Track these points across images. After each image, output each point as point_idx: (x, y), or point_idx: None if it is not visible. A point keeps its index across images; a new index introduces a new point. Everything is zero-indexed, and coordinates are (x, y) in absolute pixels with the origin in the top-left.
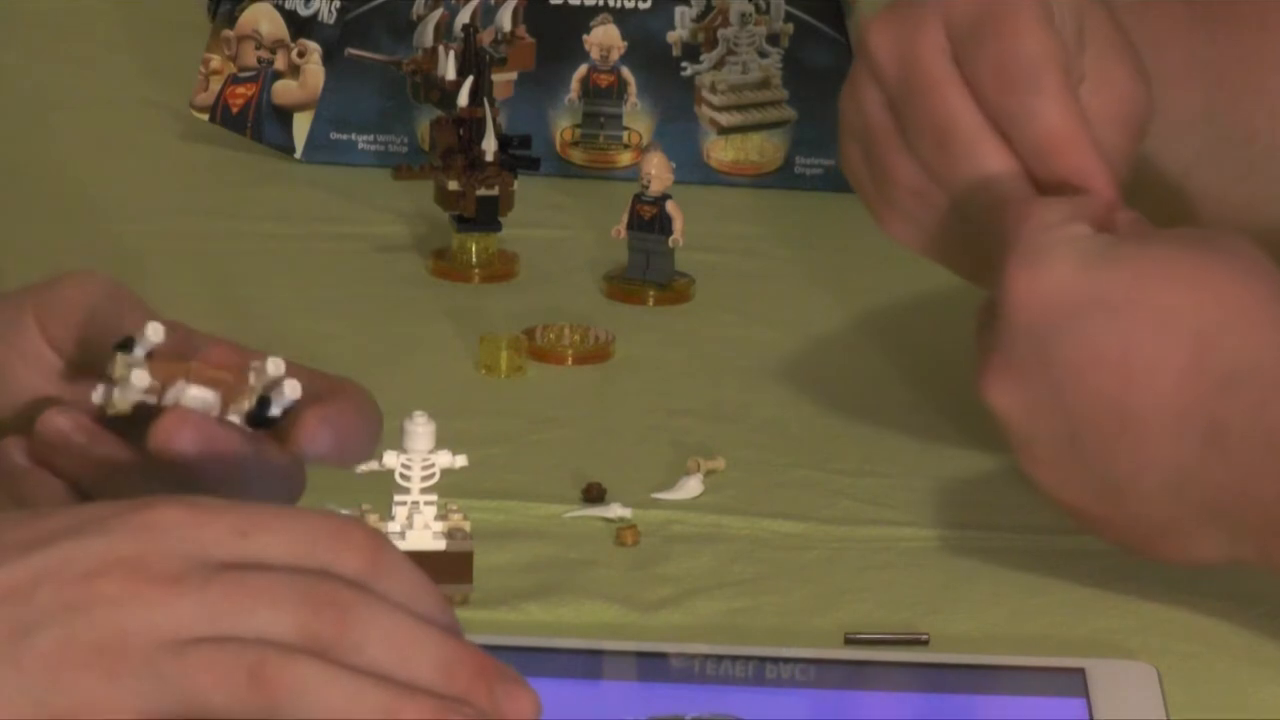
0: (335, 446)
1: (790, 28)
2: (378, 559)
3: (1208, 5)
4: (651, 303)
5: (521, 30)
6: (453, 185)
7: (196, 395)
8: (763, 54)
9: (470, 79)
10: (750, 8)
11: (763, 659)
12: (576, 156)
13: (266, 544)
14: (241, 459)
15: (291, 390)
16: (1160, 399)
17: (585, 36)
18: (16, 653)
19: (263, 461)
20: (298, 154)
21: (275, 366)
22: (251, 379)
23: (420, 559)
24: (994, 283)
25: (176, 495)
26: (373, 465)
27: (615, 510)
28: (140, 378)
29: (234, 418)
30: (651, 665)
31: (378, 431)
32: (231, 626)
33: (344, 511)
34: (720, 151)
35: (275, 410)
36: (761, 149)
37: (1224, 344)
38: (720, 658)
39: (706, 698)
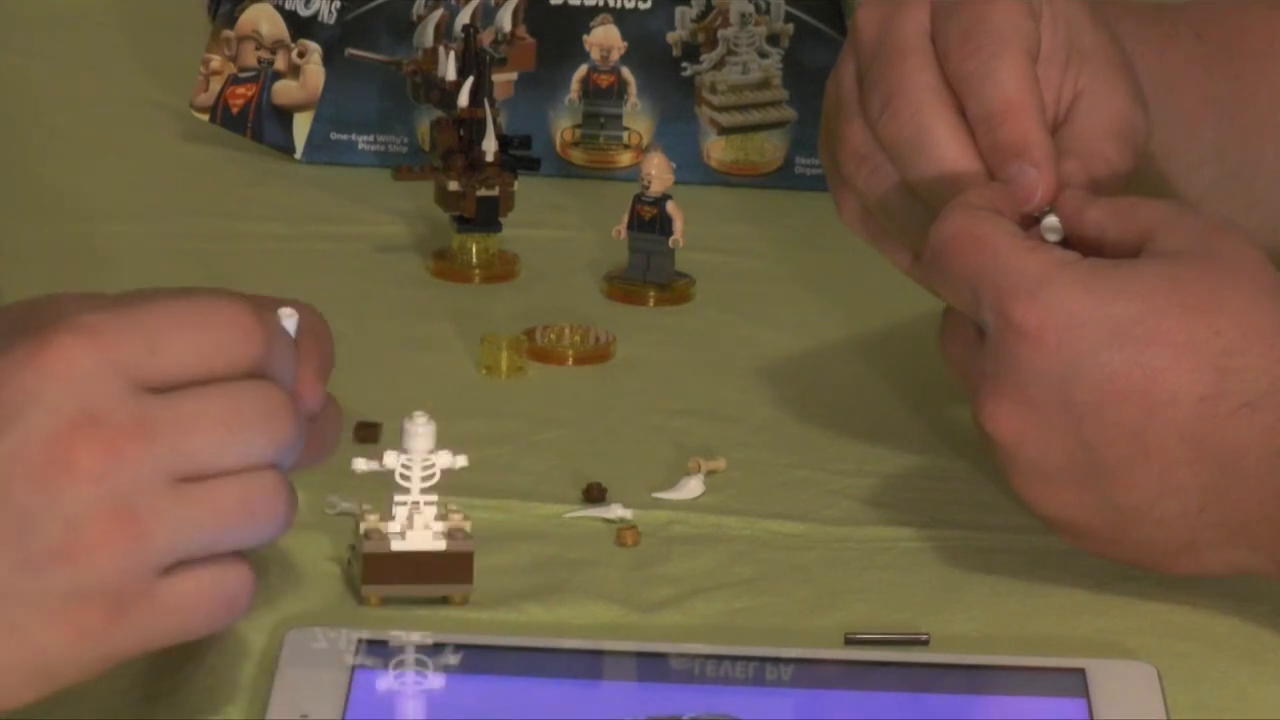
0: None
1: (790, 28)
2: (269, 341)
3: (1220, 40)
4: (652, 303)
5: (521, 30)
6: (453, 186)
7: None
8: (763, 54)
9: (470, 79)
10: (750, 8)
11: (762, 659)
12: (577, 157)
13: (177, 354)
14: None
15: (288, 318)
16: (1181, 427)
17: (585, 36)
18: (28, 555)
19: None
20: (298, 154)
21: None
22: None
23: (420, 559)
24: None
25: (61, 323)
26: (373, 465)
27: (615, 510)
28: None
29: None
30: (651, 665)
31: (333, 349)
32: (210, 461)
33: (344, 505)
34: (720, 151)
35: None
36: (761, 149)
37: (1240, 369)
38: (720, 658)
39: (706, 698)
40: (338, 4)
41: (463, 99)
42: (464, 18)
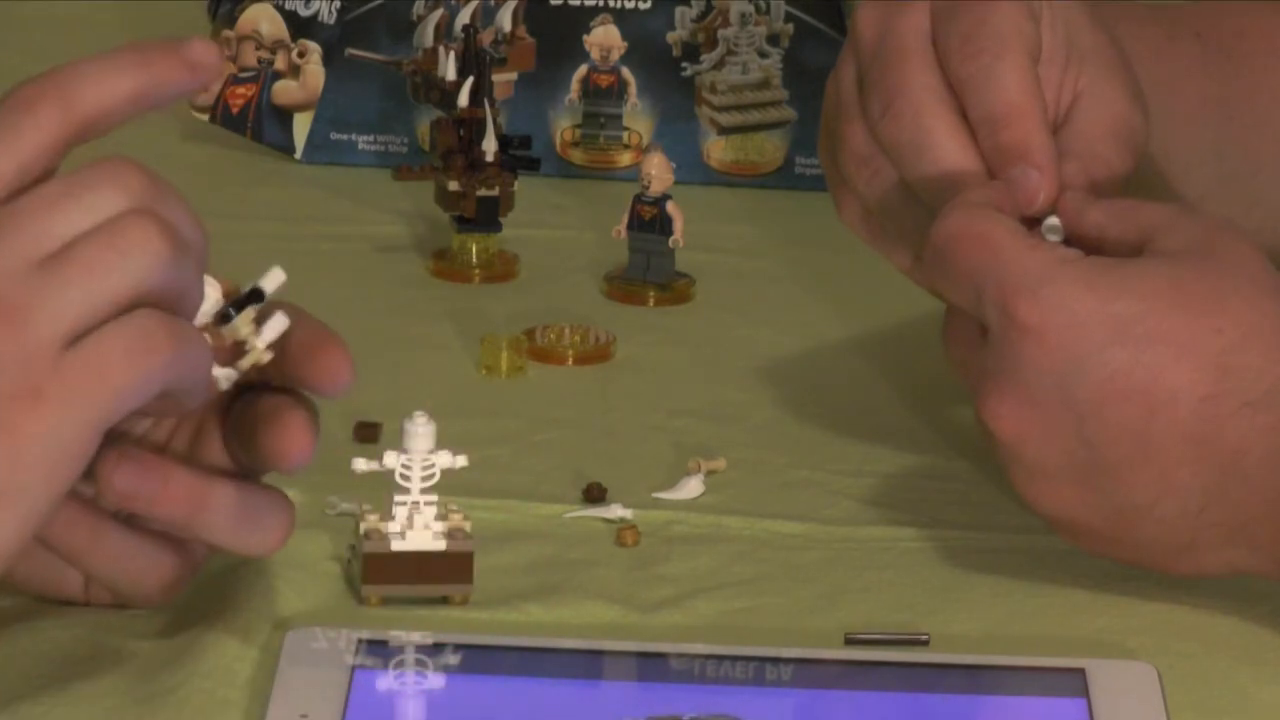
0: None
1: (790, 28)
2: (68, 110)
3: (1220, 40)
4: (652, 303)
5: (521, 30)
6: (453, 186)
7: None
8: (763, 54)
9: (470, 79)
10: (750, 8)
11: (763, 659)
12: (577, 157)
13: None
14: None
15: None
16: (1182, 427)
17: (585, 36)
18: None
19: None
20: (298, 154)
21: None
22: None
23: (420, 559)
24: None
25: None
26: (373, 465)
27: (616, 510)
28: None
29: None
30: (651, 665)
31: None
32: (62, 229)
33: (344, 506)
34: (720, 151)
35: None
36: (761, 149)
37: (1241, 368)
38: (720, 658)
39: (706, 698)
40: (338, 4)
41: (463, 99)
42: (464, 18)
